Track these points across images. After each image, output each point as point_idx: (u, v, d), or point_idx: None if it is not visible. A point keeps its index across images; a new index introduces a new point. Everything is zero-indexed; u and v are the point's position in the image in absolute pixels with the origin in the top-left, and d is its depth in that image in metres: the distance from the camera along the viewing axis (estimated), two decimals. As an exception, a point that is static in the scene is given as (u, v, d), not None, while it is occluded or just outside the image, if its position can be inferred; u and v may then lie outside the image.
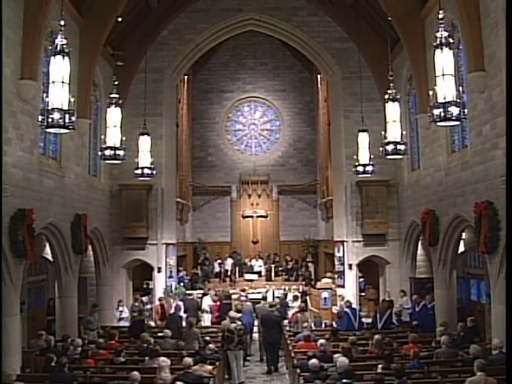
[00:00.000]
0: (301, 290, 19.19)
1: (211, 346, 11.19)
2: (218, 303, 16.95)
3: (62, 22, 8.08)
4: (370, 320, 14.27)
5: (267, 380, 12.47)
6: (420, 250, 17.11)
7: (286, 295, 18.10)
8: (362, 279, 18.60)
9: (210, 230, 25.28)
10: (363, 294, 18.58)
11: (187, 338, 11.90)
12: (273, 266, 23.00)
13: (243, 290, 18.06)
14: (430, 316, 13.83)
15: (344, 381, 7.89)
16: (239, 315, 13.41)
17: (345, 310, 14.03)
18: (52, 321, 14.80)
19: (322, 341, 10.50)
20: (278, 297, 17.86)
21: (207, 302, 17.09)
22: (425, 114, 12.80)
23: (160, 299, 16.62)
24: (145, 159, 14.54)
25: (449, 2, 11.76)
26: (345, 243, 17.96)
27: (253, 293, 18.82)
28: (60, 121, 7.77)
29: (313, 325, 14.46)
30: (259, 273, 22.58)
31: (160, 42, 18.63)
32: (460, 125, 10.93)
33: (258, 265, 23.37)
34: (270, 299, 17.56)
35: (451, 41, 8.55)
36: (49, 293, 15.52)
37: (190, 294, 17.31)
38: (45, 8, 11.29)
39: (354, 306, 14.23)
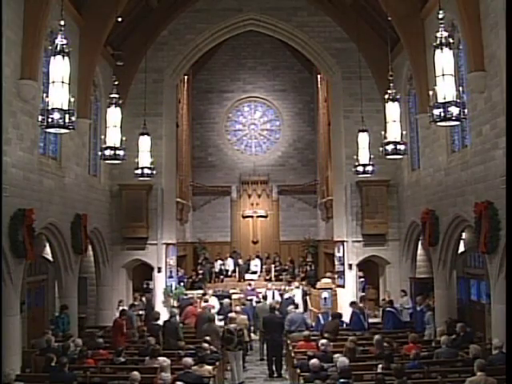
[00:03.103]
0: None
1: (205, 345, 11.16)
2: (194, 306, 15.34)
3: (62, 22, 8.08)
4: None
5: (267, 380, 12.47)
6: (420, 250, 17.09)
7: (282, 295, 18.09)
8: (362, 279, 18.58)
9: (210, 230, 25.26)
10: (363, 293, 18.56)
11: (212, 334, 11.80)
12: (272, 265, 23.00)
13: (249, 285, 18.23)
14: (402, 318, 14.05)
15: (342, 380, 7.89)
16: (244, 316, 13.45)
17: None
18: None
19: (323, 341, 10.50)
20: (280, 295, 17.86)
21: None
22: (425, 113, 12.79)
23: (191, 303, 15.72)
24: (145, 159, 14.56)
25: (449, 2, 11.76)
26: (345, 243, 17.95)
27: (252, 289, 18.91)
28: (60, 121, 7.76)
29: (314, 325, 14.48)
30: (256, 272, 22.65)
31: (160, 41, 18.62)
32: (460, 125, 10.93)
33: (254, 264, 23.39)
34: (270, 299, 17.52)
35: (451, 41, 8.56)
36: (49, 293, 15.51)
37: (186, 294, 17.23)
38: (45, 8, 11.30)
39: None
